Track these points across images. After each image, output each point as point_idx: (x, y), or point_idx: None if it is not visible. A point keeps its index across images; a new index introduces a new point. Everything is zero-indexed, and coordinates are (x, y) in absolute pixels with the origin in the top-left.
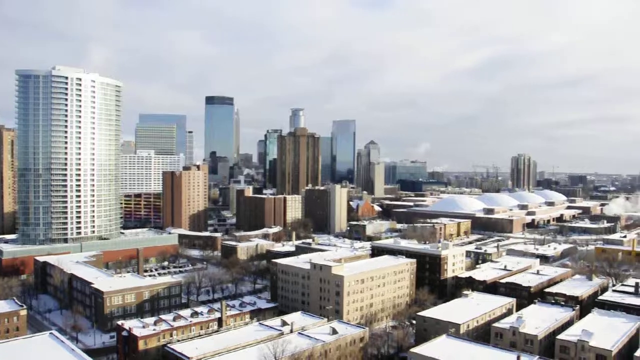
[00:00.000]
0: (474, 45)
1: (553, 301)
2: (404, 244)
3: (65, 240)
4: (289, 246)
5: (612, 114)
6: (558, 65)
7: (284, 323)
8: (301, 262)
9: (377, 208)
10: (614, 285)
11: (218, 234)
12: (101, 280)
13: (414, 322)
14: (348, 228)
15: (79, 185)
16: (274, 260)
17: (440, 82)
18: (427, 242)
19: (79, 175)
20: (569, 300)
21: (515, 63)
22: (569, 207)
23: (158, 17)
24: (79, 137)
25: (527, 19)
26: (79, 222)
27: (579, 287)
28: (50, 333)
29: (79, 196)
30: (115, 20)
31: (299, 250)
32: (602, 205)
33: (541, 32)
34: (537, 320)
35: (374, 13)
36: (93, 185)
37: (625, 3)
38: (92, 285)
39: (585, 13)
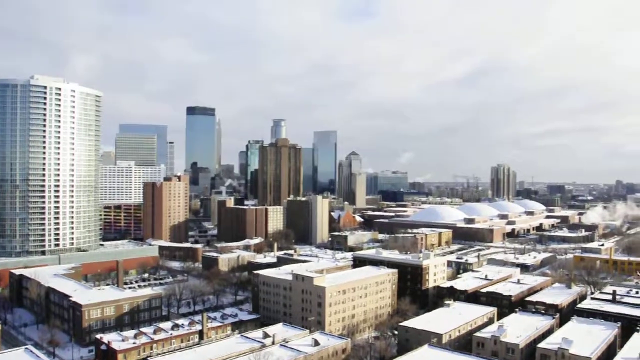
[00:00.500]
0: (457, 56)
1: (533, 310)
2: (386, 254)
3: (43, 253)
4: (270, 257)
5: (589, 125)
6: (539, 75)
7: (266, 335)
8: (283, 273)
9: (359, 219)
10: (592, 293)
11: (199, 245)
12: (80, 293)
13: (396, 332)
14: (330, 239)
15: (57, 197)
16: (255, 271)
17: (423, 93)
18: (409, 252)
19: (57, 186)
20: (549, 309)
21: (497, 73)
22: (548, 217)
23: (139, 25)
24: (58, 148)
25: (510, 30)
26: (57, 234)
27: (559, 295)
28: (26, 348)
29: (57, 207)
30: (95, 29)
31: (281, 262)
32: (580, 214)
33: (524, 42)
34: (518, 329)
35: (359, 23)
36: (72, 196)
37: (604, 14)
38: (70, 299)
39: (565, 24)
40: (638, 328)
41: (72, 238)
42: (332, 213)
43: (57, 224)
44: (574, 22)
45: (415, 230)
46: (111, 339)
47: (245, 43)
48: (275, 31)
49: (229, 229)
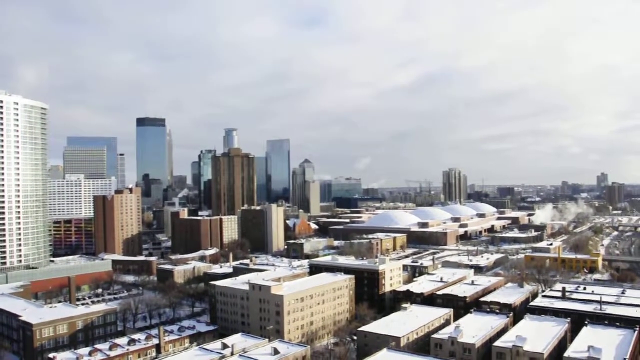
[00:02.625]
0: (406, 64)
1: (488, 309)
2: (342, 260)
3: None
4: (226, 267)
5: (535, 129)
6: (484, 81)
7: (225, 346)
8: (240, 283)
9: (314, 226)
10: (543, 291)
11: (153, 258)
12: (30, 312)
13: (355, 337)
14: (286, 247)
15: (2, 213)
16: (212, 282)
17: (374, 100)
18: (365, 257)
19: (2, 202)
20: (502, 308)
21: (445, 80)
22: (499, 218)
23: (87, 36)
24: (1, 162)
25: (458, 38)
26: (3, 252)
27: (512, 294)
28: None
29: (2, 224)
30: (41, 40)
31: (237, 271)
32: (530, 215)
33: (471, 50)
34: (474, 329)
35: (310, 32)
36: (19, 212)
37: (552, 22)
38: (20, 318)
39: (511, 31)
40: (586, 322)
41: (20, 255)
42: (287, 221)
43: (3, 241)
44: (522, 30)
45: (370, 236)
46: (65, 357)
47: (196, 53)
48: (227, 41)
49: (183, 241)
